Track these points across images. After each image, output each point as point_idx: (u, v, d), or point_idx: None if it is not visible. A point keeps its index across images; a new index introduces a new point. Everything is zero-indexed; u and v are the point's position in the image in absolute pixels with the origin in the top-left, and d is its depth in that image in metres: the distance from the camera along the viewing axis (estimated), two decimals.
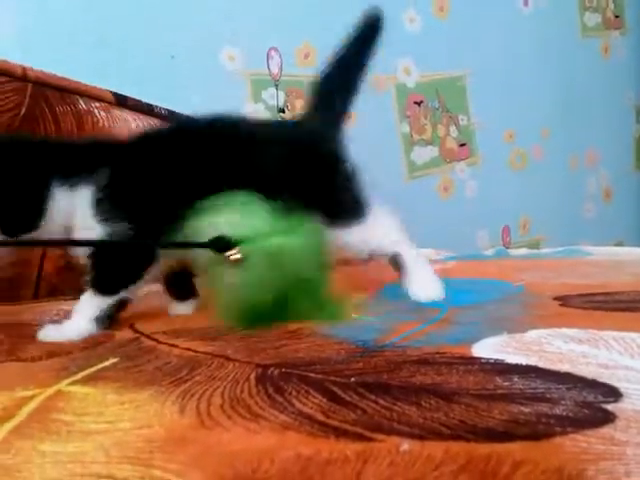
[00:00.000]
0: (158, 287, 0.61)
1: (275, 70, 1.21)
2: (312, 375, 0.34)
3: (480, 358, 0.36)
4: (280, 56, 1.22)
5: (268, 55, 1.20)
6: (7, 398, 0.34)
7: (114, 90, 0.86)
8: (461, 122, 1.47)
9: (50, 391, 0.34)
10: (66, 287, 0.71)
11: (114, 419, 0.30)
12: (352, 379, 0.33)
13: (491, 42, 1.50)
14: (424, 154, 1.41)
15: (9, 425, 0.30)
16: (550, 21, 1.62)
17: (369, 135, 1.32)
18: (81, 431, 0.29)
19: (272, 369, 0.36)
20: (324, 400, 0.30)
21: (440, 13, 1.43)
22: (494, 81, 1.50)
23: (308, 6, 1.24)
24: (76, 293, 0.65)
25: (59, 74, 0.80)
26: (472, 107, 1.48)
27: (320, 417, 0.29)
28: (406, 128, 1.39)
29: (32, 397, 0.34)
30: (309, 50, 1.25)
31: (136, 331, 0.50)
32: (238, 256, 0.49)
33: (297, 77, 1.24)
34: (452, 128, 1.46)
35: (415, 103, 1.40)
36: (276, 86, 1.22)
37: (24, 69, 0.76)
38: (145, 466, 0.25)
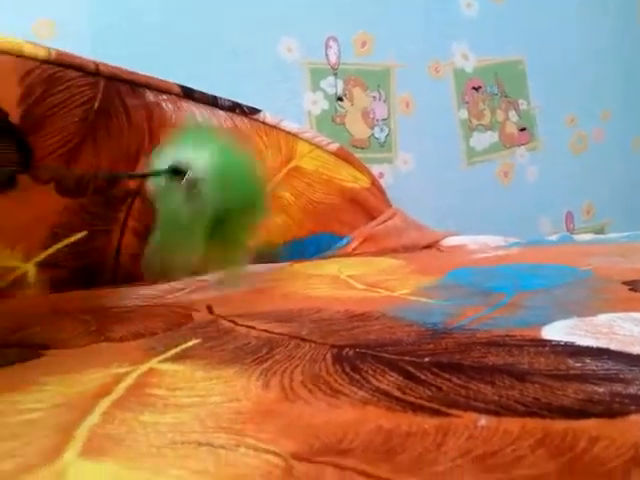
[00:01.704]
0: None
1: (333, 59, 1.22)
2: (386, 355, 0.36)
3: (550, 340, 0.36)
4: (338, 45, 1.22)
5: (326, 44, 1.21)
6: (104, 375, 0.36)
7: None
8: (521, 107, 1.45)
9: (143, 368, 0.37)
10: (141, 274, 0.75)
11: (205, 393, 0.32)
12: (426, 359, 0.34)
13: (548, 25, 1.47)
14: (483, 140, 1.39)
15: (109, 399, 0.33)
16: (607, 3, 1.57)
17: (428, 122, 1.32)
18: (176, 404, 0.31)
19: (347, 349, 0.38)
20: (400, 378, 0.32)
21: None
22: (553, 64, 1.46)
23: None
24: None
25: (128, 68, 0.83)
26: (532, 91, 1.45)
27: (397, 393, 0.30)
28: (464, 114, 1.38)
29: (127, 374, 0.36)
30: (366, 39, 1.25)
31: (213, 313, 0.53)
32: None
33: (355, 65, 1.24)
34: (511, 113, 1.44)
35: (473, 88, 1.38)
36: (335, 75, 1.23)
37: (96, 64, 0.79)
38: (239, 435, 0.27)
